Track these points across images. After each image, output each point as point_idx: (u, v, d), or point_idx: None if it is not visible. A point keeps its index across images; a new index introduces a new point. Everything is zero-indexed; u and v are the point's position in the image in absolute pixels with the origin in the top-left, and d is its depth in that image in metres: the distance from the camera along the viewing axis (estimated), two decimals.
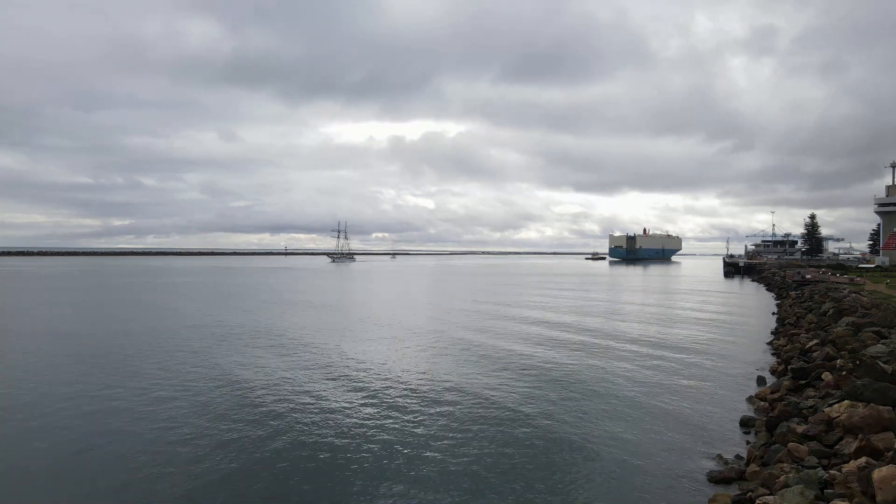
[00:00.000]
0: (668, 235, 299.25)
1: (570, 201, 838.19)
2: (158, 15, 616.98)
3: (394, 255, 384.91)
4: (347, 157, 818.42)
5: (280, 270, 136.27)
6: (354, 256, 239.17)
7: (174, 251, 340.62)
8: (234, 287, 76.27)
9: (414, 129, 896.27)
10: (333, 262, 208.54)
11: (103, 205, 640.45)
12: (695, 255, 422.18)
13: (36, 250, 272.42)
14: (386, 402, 19.27)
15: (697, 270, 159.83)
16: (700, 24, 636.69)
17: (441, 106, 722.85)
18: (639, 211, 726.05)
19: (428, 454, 14.59)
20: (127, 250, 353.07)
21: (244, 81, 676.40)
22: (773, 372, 24.33)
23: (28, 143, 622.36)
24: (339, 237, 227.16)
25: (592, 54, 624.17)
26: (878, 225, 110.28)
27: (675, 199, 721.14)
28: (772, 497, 9.94)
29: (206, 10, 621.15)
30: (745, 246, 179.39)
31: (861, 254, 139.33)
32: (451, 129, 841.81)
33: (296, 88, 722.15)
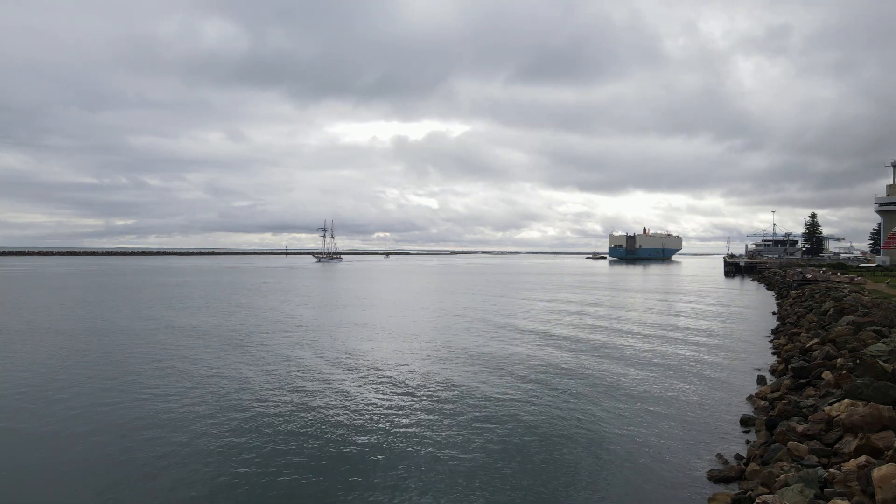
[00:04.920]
0: (669, 235, 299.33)
1: (573, 201, 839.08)
2: (176, 15, 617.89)
3: (387, 254, 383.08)
4: (351, 157, 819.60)
5: (257, 270, 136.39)
6: (341, 256, 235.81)
7: (175, 251, 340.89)
8: (218, 287, 76.32)
9: (422, 129, 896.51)
10: (319, 261, 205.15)
11: (106, 204, 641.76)
12: (695, 254, 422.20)
13: (37, 250, 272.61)
14: (376, 403, 19.27)
15: (698, 270, 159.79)
16: (711, 25, 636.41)
17: (452, 106, 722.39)
18: (642, 210, 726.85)
19: (424, 452, 14.58)
20: (128, 250, 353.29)
21: (256, 81, 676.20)
22: (773, 371, 24.32)
23: (33, 143, 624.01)
24: (324, 236, 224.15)
25: (605, 55, 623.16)
26: (879, 224, 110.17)
27: (680, 199, 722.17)
28: (772, 496, 9.93)
29: (224, 11, 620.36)
30: (746, 245, 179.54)
31: (862, 253, 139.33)
32: (457, 128, 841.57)
33: (307, 89, 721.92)
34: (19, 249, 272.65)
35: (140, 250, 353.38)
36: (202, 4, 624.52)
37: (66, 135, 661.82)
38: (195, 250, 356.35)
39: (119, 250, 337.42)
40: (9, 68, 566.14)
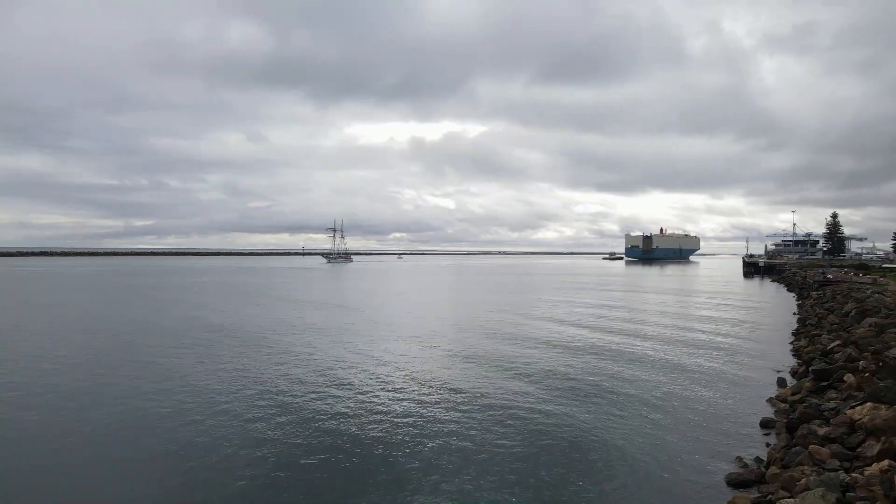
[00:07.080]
0: (686, 235, 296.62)
1: (590, 201, 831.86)
2: (201, 18, 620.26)
3: (400, 254, 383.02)
4: (369, 158, 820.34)
5: (269, 271, 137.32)
6: (351, 257, 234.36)
7: (194, 251, 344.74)
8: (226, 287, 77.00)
9: (440, 129, 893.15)
10: (329, 262, 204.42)
11: (126, 205, 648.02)
12: (714, 254, 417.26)
13: (58, 250, 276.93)
14: (390, 401, 19.35)
15: (716, 270, 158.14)
16: (735, 23, 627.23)
17: (470, 107, 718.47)
18: (660, 210, 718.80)
19: (443, 452, 14.63)
20: (147, 250, 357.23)
21: (278, 83, 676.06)
22: (793, 373, 24.03)
23: (54, 146, 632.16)
24: (334, 236, 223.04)
25: (626, 55, 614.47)
26: None
27: (698, 199, 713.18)
28: (792, 500, 9.85)
29: (250, 13, 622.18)
30: (766, 246, 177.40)
31: (885, 253, 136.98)
32: (475, 129, 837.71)
33: (328, 90, 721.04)
34: (41, 250, 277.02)
35: (159, 251, 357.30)
36: (227, 7, 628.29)
37: (88, 137, 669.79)
38: (213, 251, 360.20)
39: (138, 251, 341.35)
40: (32, 72, 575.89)
